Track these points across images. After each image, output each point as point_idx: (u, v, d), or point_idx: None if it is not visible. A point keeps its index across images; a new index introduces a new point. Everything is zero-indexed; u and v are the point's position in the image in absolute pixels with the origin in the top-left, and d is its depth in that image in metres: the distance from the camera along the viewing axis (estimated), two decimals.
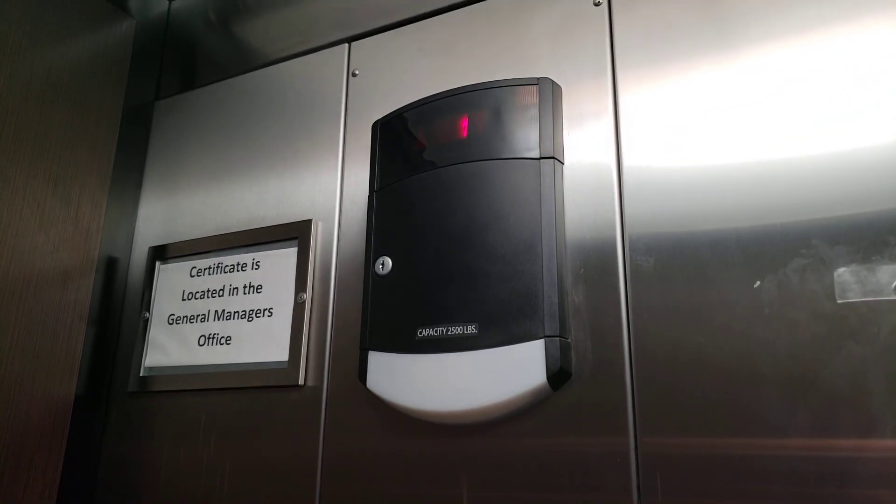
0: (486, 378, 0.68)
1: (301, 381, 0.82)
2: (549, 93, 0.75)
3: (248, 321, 0.89)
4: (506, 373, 0.67)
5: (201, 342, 0.93)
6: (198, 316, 0.94)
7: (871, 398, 0.55)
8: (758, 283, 0.61)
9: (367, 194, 0.84)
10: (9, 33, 0.93)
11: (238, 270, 0.93)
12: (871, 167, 0.60)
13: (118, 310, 1.04)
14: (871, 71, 0.63)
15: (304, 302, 0.85)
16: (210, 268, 0.96)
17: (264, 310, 0.89)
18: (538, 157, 0.72)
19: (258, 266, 0.92)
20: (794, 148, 0.64)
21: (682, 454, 0.61)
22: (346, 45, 0.96)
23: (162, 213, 1.06)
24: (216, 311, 0.93)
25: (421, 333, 0.72)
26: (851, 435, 0.55)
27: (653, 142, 0.71)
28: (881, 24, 0.63)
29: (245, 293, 0.91)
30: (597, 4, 0.78)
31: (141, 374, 0.97)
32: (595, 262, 0.70)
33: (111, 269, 1.04)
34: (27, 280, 0.92)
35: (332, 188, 0.90)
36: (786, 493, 0.56)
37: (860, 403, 0.55)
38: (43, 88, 0.97)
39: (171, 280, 0.99)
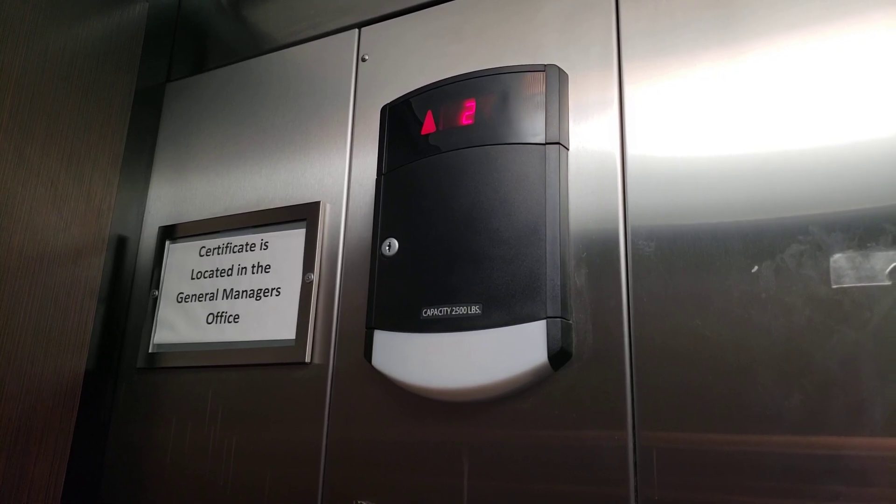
0: (489, 356, 0.69)
1: (308, 359, 0.84)
2: (555, 80, 0.76)
3: (257, 300, 0.91)
4: (508, 352, 0.69)
5: (209, 320, 0.95)
6: (206, 294, 0.96)
7: (862, 381, 0.56)
8: (756, 267, 0.63)
9: (375, 177, 0.85)
10: (25, 12, 0.95)
11: (247, 250, 0.95)
12: (873, 160, 0.61)
13: (128, 287, 1.05)
14: (874, 66, 0.64)
15: (312, 282, 0.87)
16: (219, 247, 0.98)
17: (272, 289, 0.90)
18: (544, 142, 0.74)
19: (266, 246, 0.93)
20: (796, 140, 0.65)
21: (680, 437, 0.62)
22: (356, 30, 0.97)
23: (172, 193, 1.07)
24: (225, 290, 0.95)
25: (426, 313, 0.74)
26: (843, 421, 0.56)
27: (656, 131, 0.72)
28: (884, 19, 0.65)
29: (254, 272, 0.93)
30: None
31: (150, 351, 0.99)
32: (597, 246, 0.71)
33: (121, 247, 1.05)
34: (40, 257, 0.93)
35: (340, 171, 0.92)
36: (779, 486, 0.58)
37: (851, 386, 0.57)
38: (58, 68, 0.98)
39: (181, 259, 1.01)
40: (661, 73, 0.74)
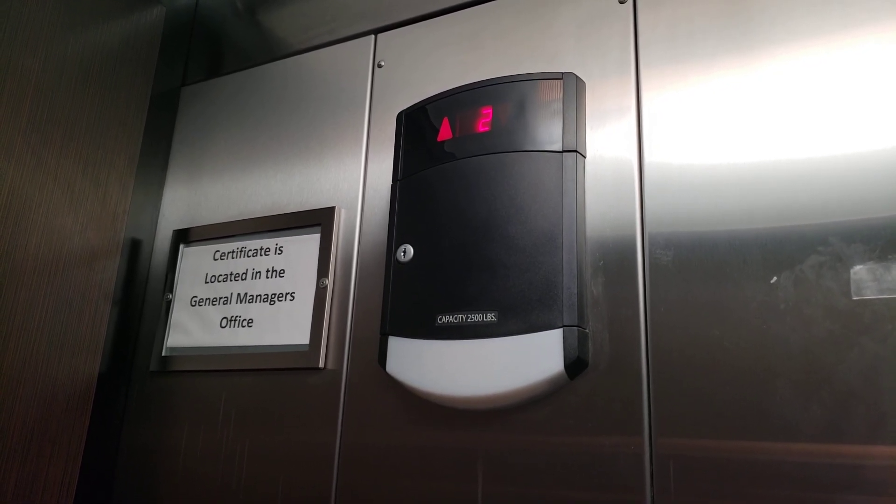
0: (505, 365, 0.69)
1: (321, 364, 0.84)
2: (573, 87, 0.76)
3: (271, 304, 0.91)
4: (524, 360, 0.68)
5: (223, 324, 0.95)
6: (220, 298, 0.96)
7: (884, 395, 0.56)
8: (774, 278, 0.62)
9: (391, 183, 0.85)
10: (44, 17, 0.96)
11: (261, 255, 0.95)
12: (892, 169, 0.61)
13: (142, 291, 1.06)
14: (893, 73, 0.63)
15: (326, 287, 0.87)
16: (233, 252, 0.98)
17: (286, 294, 0.90)
18: (561, 150, 0.74)
19: (281, 251, 0.93)
20: (814, 148, 0.65)
21: (697, 448, 0.62)
22: (373, 36, 0.97)
23: (186, 197, 1.08)
24: (239, 294, 0.95)
25: (441, 320, 0.74)
26: (863, 433, 0.56)
27: (674, 139, 0.72)
28: None
29: (268, 277, 0.93)
30: (622, 2, 0.79)
31: (163, 354, 0.99)
32: (614, 255, 0.71)
33: (136, 250, 1.06)
34: (56, 260, 0.94)
35: (355, 176, 0.92)
36: (797, 497, 0.57)
37: (873, 400, 0.56)
38: (75, 72, 0.99)
39: (195, 263, 1.01)
40: (679, 79, 0.73)
